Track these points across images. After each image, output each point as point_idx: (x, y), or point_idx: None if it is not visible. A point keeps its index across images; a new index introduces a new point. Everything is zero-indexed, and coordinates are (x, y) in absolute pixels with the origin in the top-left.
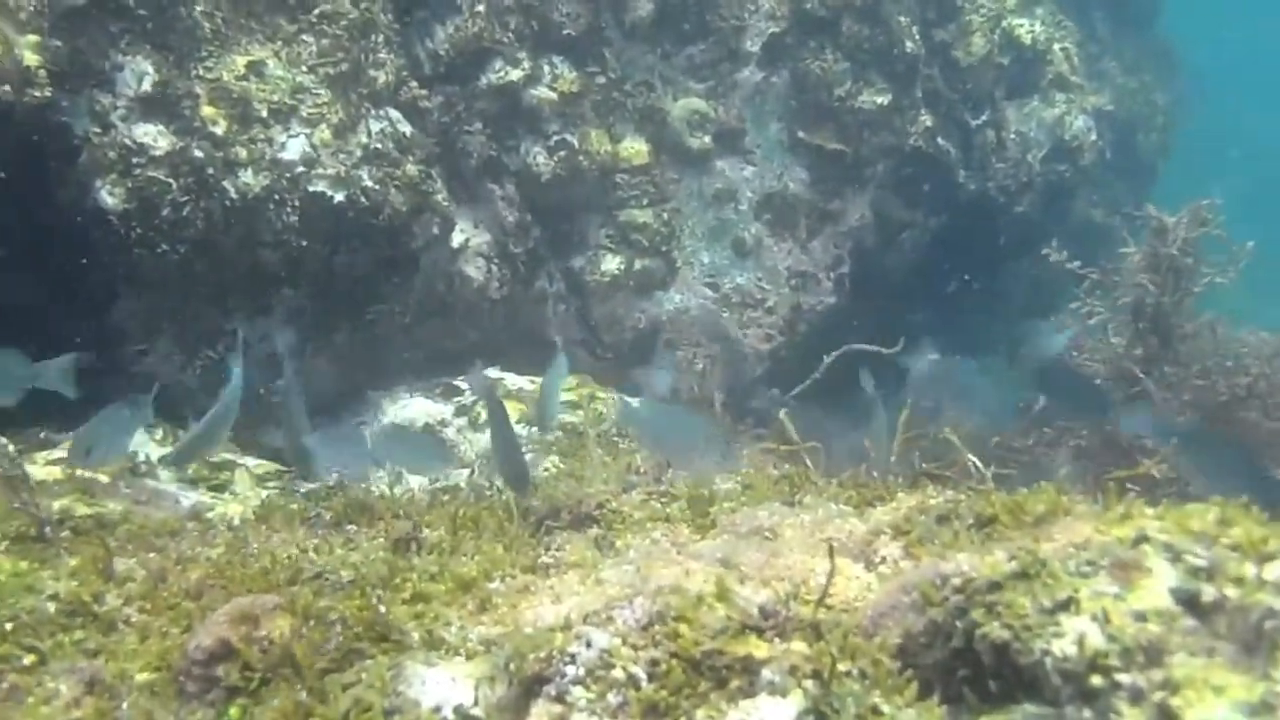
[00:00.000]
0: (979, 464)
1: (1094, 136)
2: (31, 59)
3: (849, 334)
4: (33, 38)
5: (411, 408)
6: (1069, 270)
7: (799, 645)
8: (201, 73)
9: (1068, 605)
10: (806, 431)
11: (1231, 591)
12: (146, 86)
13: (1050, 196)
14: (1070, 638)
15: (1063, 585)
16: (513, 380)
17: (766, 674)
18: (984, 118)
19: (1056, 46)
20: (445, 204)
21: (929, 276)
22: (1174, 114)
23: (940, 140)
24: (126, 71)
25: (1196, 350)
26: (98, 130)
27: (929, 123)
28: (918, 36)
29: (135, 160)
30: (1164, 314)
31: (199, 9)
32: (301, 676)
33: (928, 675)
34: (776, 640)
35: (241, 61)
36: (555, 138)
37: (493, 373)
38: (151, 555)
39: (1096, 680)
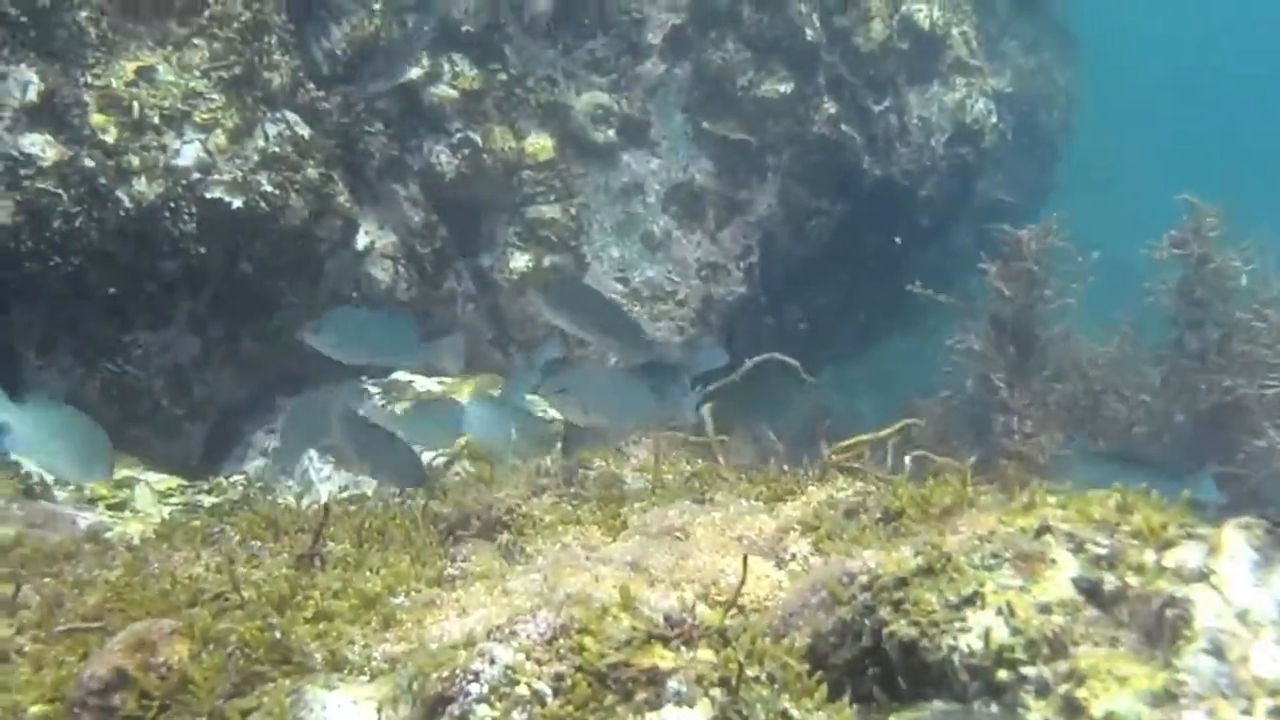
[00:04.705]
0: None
1: (994, 119)
2: None
3: (760, 324)
4: None
5: None
6: (971, 252)
7: (705, 653)
8: (90, 80)
9: (973, 600)
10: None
11: (1133, 579)
12: (32, 96)
13: (954, 180)
14: (976, 632)
15: (967, 580)
16: (422, 382)
17: (673, 684)
18: (886, 103)
19: (955, 30)
20: (348, 206)
21: (838, 263)
22: (1075, 92)
23: (844, 127)
24: (10, 81)
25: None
26: None
27: (832, 110)
28: (818, 24)
29: (23, 172)
30: (1022, 323)
31: (83, 14)
32: (201, 703)
33: (838, 675)
34: (683, 649)
35: (131, 67)
36: (458, 136)
37: (401, 375)
38: (46, 580)
39: (1003, 674)
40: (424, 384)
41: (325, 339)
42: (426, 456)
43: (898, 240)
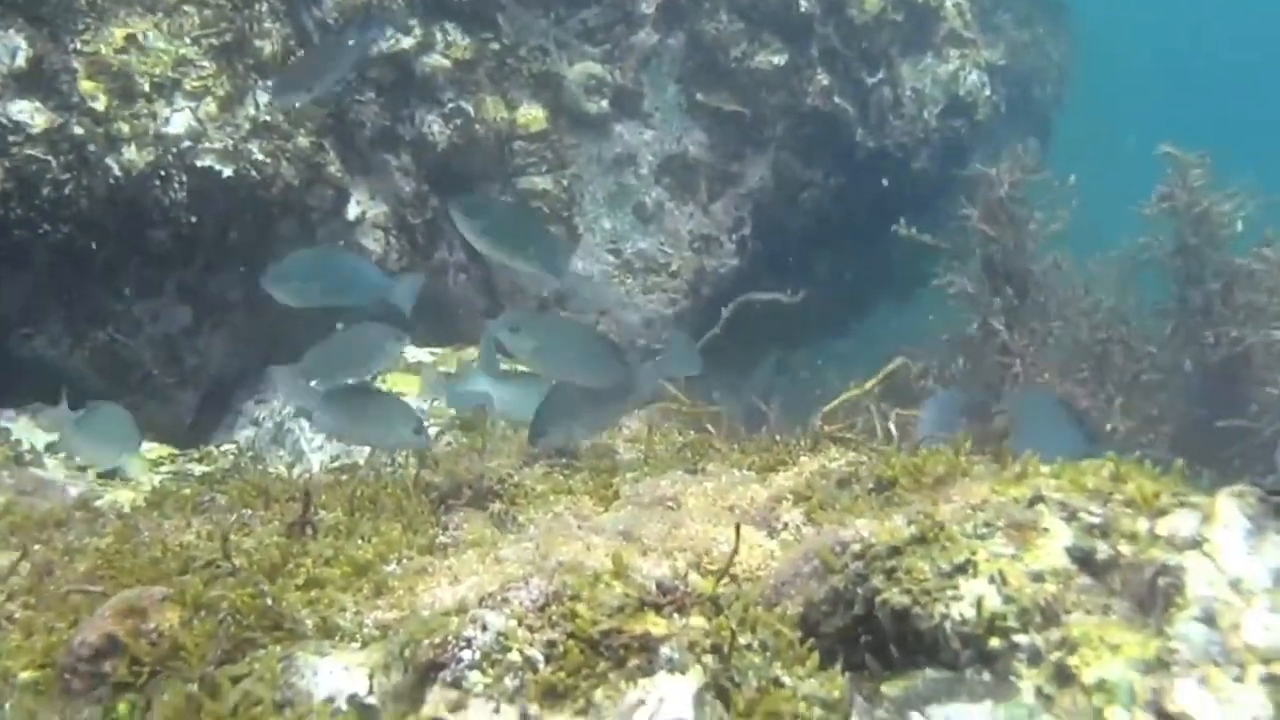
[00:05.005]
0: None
1: (988, 92)
2: None
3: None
4: None
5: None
6: (963, 221)
7: (698, 620)
8: (79, 46)
9: (965, 568)
10: (708, 392)
11: (1125, 548)
12: (20, 62)
13: (947, 152)
14: (968, 601)
15: (960, 548)
16: (413, 353)
17: (665, 651)
18: (880, 75)
19: (949, 2)
20: (339, 176)
21: (830, 234)
22: (1068, 66)
23: (837, 99)
24: None
25: (1050, 291)
26: None
27: (825, 82)
28: None
29: (11, 139)
30: (1011, 260)
31: None
32: (192, 669)
33: (830, 643)
34: (675, 616)
35: (120, 34)
36: (450, 105)
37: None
38: (37, 548)
39: (995, 642)
40: (414, 354)
41: (281, 283)
42: None
43: (885, 182)
